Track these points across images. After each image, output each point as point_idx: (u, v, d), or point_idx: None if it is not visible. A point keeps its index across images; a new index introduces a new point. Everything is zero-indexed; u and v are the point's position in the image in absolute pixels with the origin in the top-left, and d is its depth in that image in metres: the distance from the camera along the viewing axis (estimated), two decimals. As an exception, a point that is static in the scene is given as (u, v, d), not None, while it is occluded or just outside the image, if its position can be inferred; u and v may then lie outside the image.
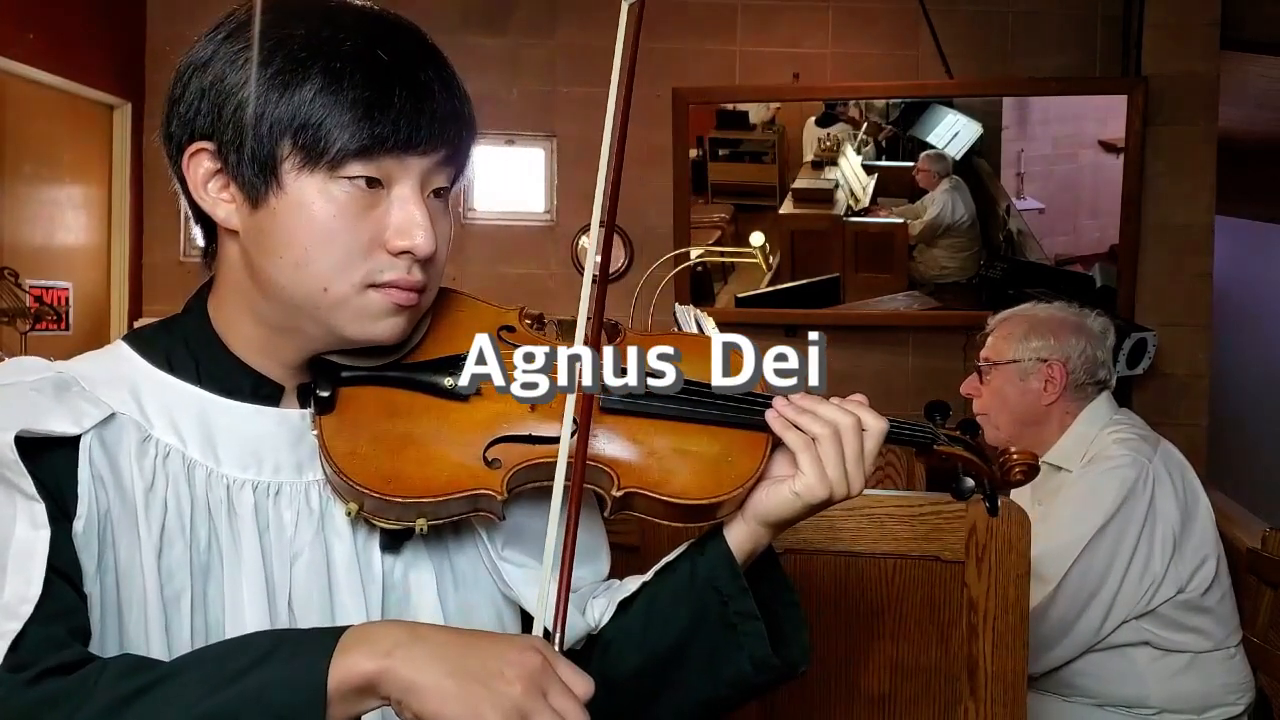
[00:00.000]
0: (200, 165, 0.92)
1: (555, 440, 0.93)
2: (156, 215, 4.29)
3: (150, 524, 0.88)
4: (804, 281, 4.21)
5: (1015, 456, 1.09)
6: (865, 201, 4.15)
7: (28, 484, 0.81)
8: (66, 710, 0.74)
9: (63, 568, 0.82)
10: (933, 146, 4.10)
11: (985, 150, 4.08)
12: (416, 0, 4.19)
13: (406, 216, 0.90)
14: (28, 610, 0.78)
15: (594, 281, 0.95)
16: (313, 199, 0.88)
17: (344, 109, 0.86)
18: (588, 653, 1.06)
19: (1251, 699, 2.16)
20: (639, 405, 0.99)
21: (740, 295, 4.24)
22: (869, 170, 4.13)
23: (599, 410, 0.98)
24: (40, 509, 0.81)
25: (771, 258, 4.16)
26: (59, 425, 0.85)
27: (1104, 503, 2.05)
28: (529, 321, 1.05)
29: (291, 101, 0.87)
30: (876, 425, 1.01)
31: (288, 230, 0.89)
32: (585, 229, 4.31)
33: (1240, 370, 6.35)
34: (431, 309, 1.01)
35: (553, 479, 0.89)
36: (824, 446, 0.97)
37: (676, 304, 2.64)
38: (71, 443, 0.86)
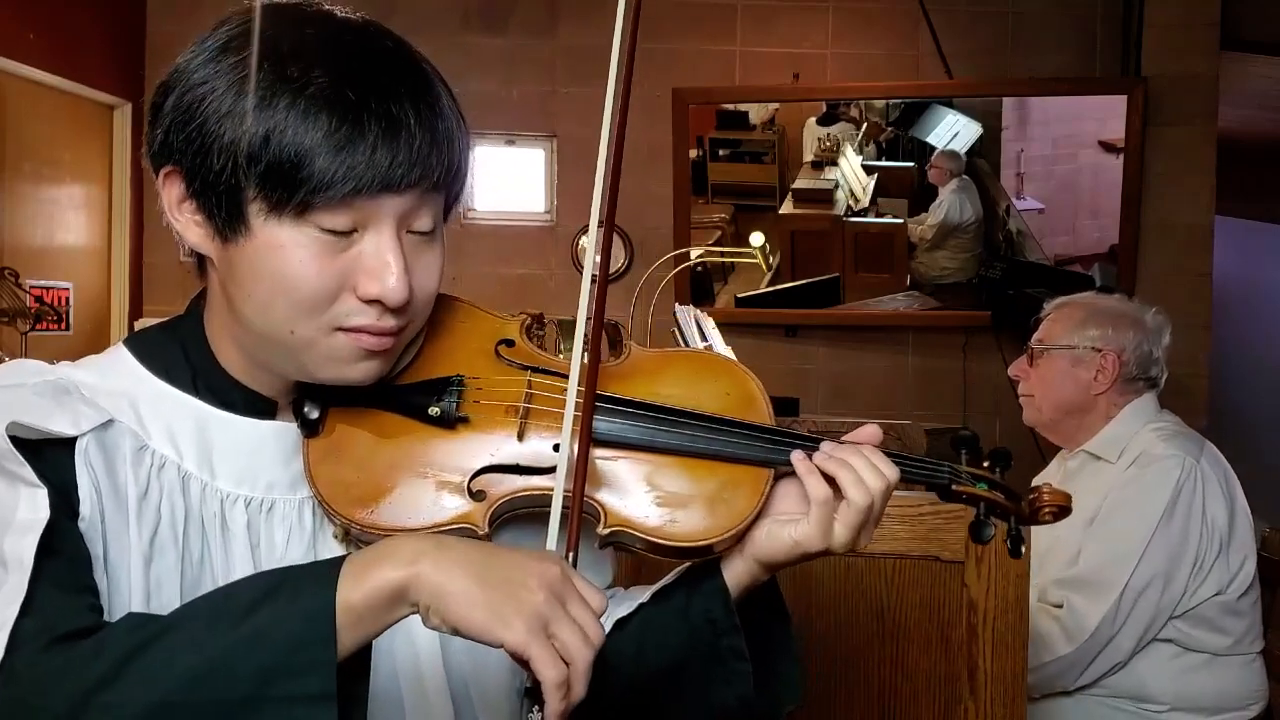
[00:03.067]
0: (174, 188, 0.89)
1: (543, 471, 0.90)
2: (156, 215, 4.25)
3: (142, 531, 0.87)
4: (804, 281, 4.21)
5: (1047, 497, 1.00)
6: (865, 201, 4.15)
7: (28, 472, 0.81)
8: (80, 673, 0.73)
9: (76, 554, 0.82)
10: (933, 147, 4.11)
11: (985, 150, 4.08)
12: (417, 1, 4.21)
13: (379, 263, 0.85)
14: (30, 565, 0.77)
15: (593, 284, 0.92)
16: (280, 244, 0.84)
17: (310, 151, 0.81)
18: None
19: (1263, 707, 2.15)
20: (632, 438, 0.94)
21: (740, 295, 4.24)
22: (869, 170, 4.13)
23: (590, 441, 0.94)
24: (42, 494, 0.80)
25: (771, 258, 4.16)
26: (59, 425, 0.84)
27: (1157, 505, 2.03)
28: (530, 333, 1.01)
29: (254, 142, 0.82)
30: (890, 476, 0.95)
31: (254, 271, 0.86)
32: (585, 229, 4.31)
33: (1240, 370, 6.35)
34: (431, 315, 0.97)
35: (538, 509, 0.86)
36: (850, 511, 0.93)
37: (676, 304, 2.63)
38: (69, 444, 0.85)
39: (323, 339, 0.87)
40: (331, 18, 0.89)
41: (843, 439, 0.98)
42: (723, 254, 4.18)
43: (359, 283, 0.86)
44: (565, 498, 0.87)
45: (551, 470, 0.89)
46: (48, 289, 3.81)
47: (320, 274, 0.85)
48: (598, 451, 0.94)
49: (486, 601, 0.74)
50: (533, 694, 0.77)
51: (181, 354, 0.95)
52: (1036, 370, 2.28)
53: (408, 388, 0.94)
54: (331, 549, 0.94)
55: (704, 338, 2.44)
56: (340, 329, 0.87)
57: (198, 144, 0.85)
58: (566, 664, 0.75)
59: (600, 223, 0.94)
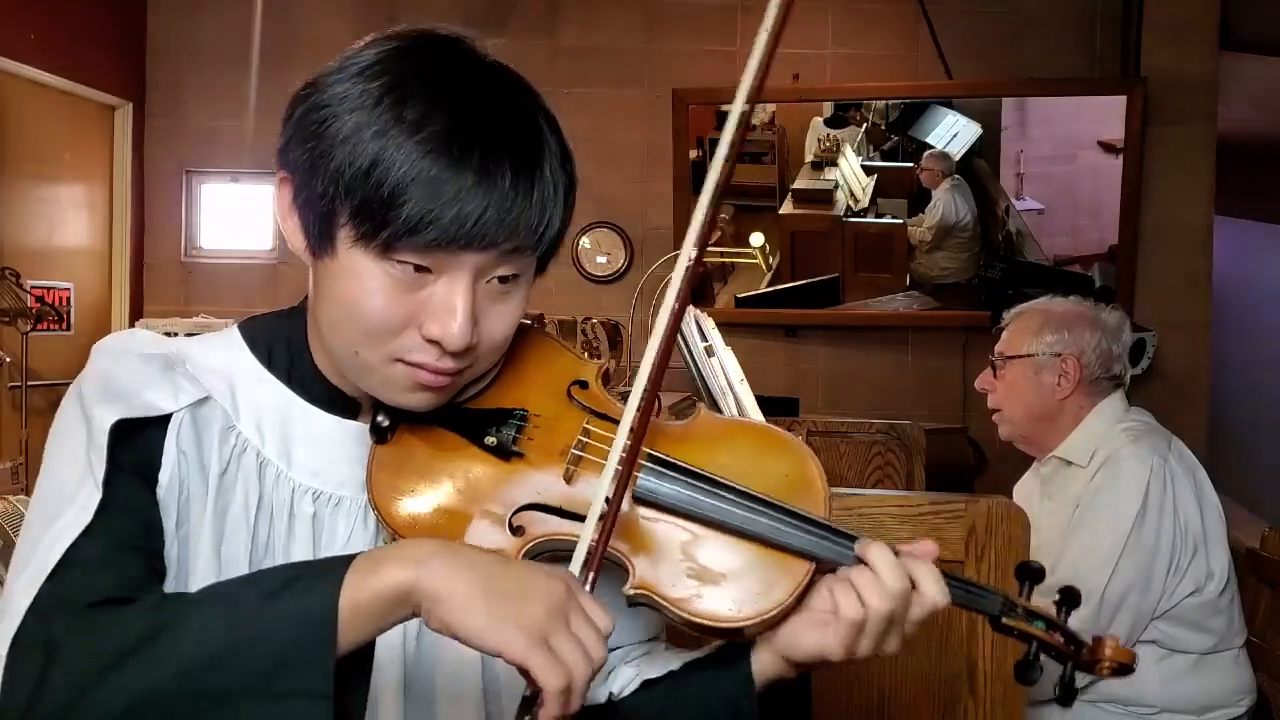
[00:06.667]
0: (285, 195, 0.93)
1: (583, 518, 0.89)
2: (157, 215, 4.29)
3: (218, 508, 0.92)
4: (804, 281, 4.22)
5: (1109, 652, 0.92)
6: (865, 202, 4.15)
7: (100, 470, 0.86)
8: (98, 648, 0.76)
9: (140, 518, 0.88)
10: (932, 147, 4.11)
11: (985, 151, 4.08)
12: (418, 2, 4.21)
13: (446, 305, 0.88)
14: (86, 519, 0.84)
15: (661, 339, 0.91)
16: (359, 272, 0.88)
17: (403, 198, 0.84)
18: (593, 716, 1.04)
19: (1253, 701, 2.15)
20: (677, 503, 0.93)
21: (740, 295, 4.24)
22: (868, 171, 4.14)
23: (632, 497, 0.93)
24: (97, 498, 0.85)
25: (771, 258, 4.17)
26: (158, 398, 0.91)
27: (1130, 507, 2.03)
28: (606, 380, 1.01)
29: (357, 175, 0.85)
30: (933, 597, 0.92)
31: (332, 291, 0.90)
32: (584, 230, 4.31)
33: (1240, 370, 6.35)
34: (511, 346, 0.97)
35: (573, 554, 0.86)
36: (871, 625, 0.91)
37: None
38: (165, 417, 0.91)
39: (382, 366, 0.91)
40: (468, 60, 0.94)
41: (898, 549, 0.94)
42: (723, 254, 4.18)
43: (424, 322, 0.88)
44: (592, 546, 0.87)
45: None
46: (48, 289, 3.82)
47: (388, 308, 0.88)
48: (639, 510, 0.93)
49: (488, 610, 0.75)
50: (527, 704, 0.77)
51: (284, 343, 1.00)
52: (1002, 381, 2.29)
53: (474, 413, 0.97)
54: None
55: (704, 338, 2.44)
56: (400, 360, 0.90)
57: (309, 162, 0.88)
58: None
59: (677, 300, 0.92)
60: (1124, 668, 0.93)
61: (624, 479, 0.87)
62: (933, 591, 0.92)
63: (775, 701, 1.00)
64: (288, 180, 0.92)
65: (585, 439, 0.95)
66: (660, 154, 4.17)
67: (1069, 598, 0.94)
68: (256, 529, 0.93)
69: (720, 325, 2.66)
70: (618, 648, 1.06)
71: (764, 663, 0.97)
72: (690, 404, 0.99)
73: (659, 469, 0.93)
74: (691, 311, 2.49)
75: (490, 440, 0.94)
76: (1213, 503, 2.14)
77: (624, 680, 1.04)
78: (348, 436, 0.97)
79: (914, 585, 0.92)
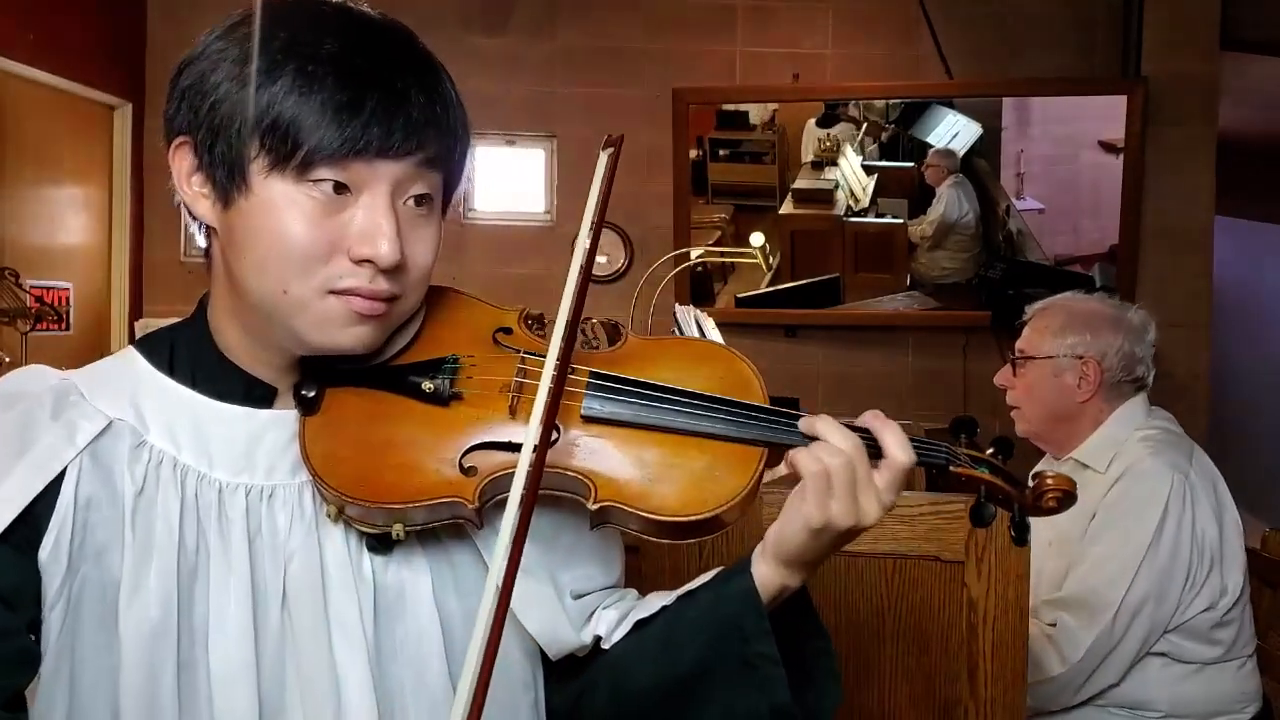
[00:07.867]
0: (184, 159, 0.93)
1: (535, 449, 0.89)
2: (156, 215, 4.28)
3: (136, 531, 0.89)
4: (804, 281, 4.21)
5: (1050, 482, 0.99)
6: (865, 201, 4.15)
7: None
8: None
9: (10, 596, 0.86)
10: (933, 147, 4.11)
11: (985, 150, 4.08)
12: (417, 1, 4.22)
13: (371, 224, 0.88)
14: None
15: (576, 284, 0.92)
16: (277, 201, 0.87)
17: (314, 112, 0.85)
18: (588, 661, 1.04)
19: (1258, 708, 2.14)
20: (622, 416, 0.95)
21: (740, 295, 4.24)
22: (869, 170, 4.13)
23: (580, 419, 0.95)
24: None
25: (771, 258, 4.16)
26: (57, 444, 0.89)
27: (1148, 524, 2.00)
28: (529, 323, 1.02)
29: (262, 102, 0.86)
30: (897, 456, 0.94)
31: (252, 231, 0.89)
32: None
33: (1240, 370, 6.35)
34: (428, 308, 0.99)
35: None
36: (836, 476, 0.92)
37: (676, 304, 2.63)
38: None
39: (316, 301, 0.89)
40: (348, 7, 0.93)
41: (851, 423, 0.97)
42: (723, 254, 4.18)
43: (352, 244, 0.88)
44: (545, 471, 0.87)
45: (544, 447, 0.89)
46: (48, 289, 3.81)
47: (312, 231, 0.87)
48: (588, 429, 0.95)
49: None
50: None
51: (185, 348, 0.97)
52: (1021, 379, 2.25)
53: (403, 367, 0.96)
54: (332, 532, 0.94)
55: (704, 338, 2.44)
56: (333, 292, 0.89)
57: (208, 106, 0.89)
58: None
59: (592, 226, 0.95)
60: (1068, 495, 0.99)
61: (554, 397, 0.88)
62: (896, 450, 0.94)
63: (789, 624, 0.98)
64: (186, 142, 0.92)
65: (524, 367, 0.96)
66: (660, 154, 4.16)
67: (1003, 447, 1.02)
68: (183, 537, 0.90)
69: (720, 325, 2.66)
70: (585, 594, 1.04)
71: (765, 576, 0.96)
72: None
73: (600, 385, 0.96)
74: (691, 311, 2.49)
75: (428, 386, 0.94)
76: (1233, 518, 2.10)
77: (608, 624, 1.03)
78: (267, 426, 0.95)
79: (882, 451, 0.94)
